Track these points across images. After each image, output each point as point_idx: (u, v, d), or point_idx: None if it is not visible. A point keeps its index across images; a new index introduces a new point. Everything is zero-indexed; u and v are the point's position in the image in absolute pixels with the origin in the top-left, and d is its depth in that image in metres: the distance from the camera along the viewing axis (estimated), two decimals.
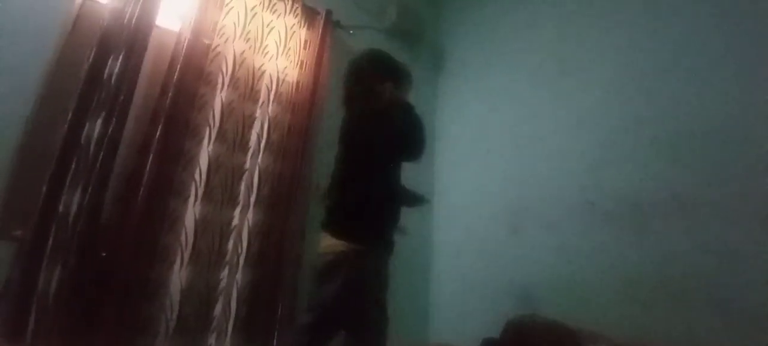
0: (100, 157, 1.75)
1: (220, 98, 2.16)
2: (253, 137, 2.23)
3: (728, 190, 1.72)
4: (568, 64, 2.46)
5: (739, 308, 1.60)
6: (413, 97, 3.05)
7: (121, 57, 1.86)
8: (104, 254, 1.72)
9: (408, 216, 2.78)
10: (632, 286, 1.89)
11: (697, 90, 1.90)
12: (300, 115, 2.36)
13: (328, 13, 2.59)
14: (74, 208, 1.67)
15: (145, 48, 1.94)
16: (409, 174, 2.89)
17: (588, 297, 2.02)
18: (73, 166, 1.72)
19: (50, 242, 1.59)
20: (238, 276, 2.05)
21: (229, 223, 2.09)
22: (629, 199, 2.00)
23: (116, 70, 1.85)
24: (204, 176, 2.05)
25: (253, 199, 2.16)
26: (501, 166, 2.64)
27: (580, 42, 2.44)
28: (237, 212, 2.12)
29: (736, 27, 1.84)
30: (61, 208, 1.65)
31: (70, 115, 1.74)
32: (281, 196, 2.21)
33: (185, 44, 2.04)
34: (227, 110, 2.16)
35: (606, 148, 2.15)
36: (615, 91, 2.20)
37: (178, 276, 1.90)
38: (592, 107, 2.27)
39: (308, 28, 2.55)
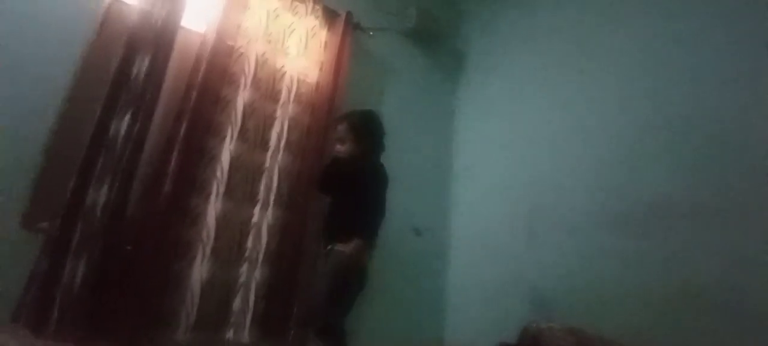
0: (127, 153, 1.76)
1: (242, 98, 2.15)
2: (273, 137, 2.21)
3: (749, 197, 1.63)
4: (588, 67, 2.36)
5: (757, 315, 1.50)
6: (432, 99, 3.03)
7: (148, 57, 1.87)
8: (129, 248, 1.72)
9: (423, 217, 2.76)
10: (650, 292, 1.81)
11: (720, 96, 1.80)
12: (319, 115, 2.33)
13: (349, 14, 2.55)
14: (101, 202, 1.68)
15: (171, 48, 1.95)
16: (426, 176, 2.86)
17: (606, 302, 1.94)
18: (100, 161, 1.73)
19: (77, 235, 1.60)
20: (257, 272, 2.03)
21: (249, 220, 2.07)
22: (649, 204, 1.90)
23: (143, 69, 1.86)
24: (225, 174, 2.04)
25: (272, 197, 2.14)
26: (519, 169, 2.55)
27: (601, 44, 2.34)
28: (257, 209, 2.10)
29: (761, 31, 1.73)
30: (87, 202, 1.66)
31: (98, 112, 1.75)
32: (299, 195, 2.18)
33: (209, 45, 2.04)
34: (249, 110, 2.15)
35: (626, 153, 2.06)
36: (636, 95, 2.11)
37: (198, 271, 1.89)
38: (613, 111, 2.18)
39: (328, 30, 2.52)
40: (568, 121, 2.37)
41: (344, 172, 1.84)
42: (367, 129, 1.91)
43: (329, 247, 1.78)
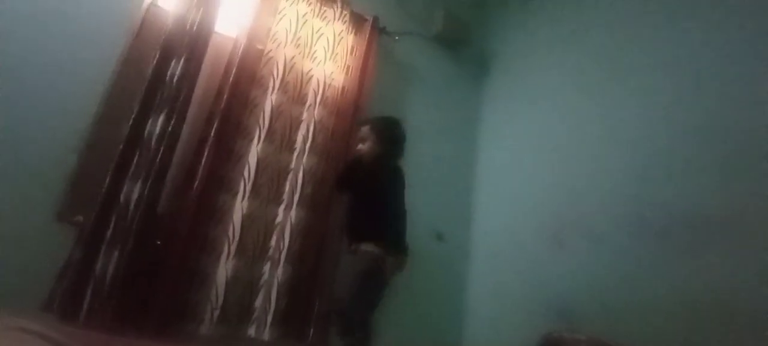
0: (160, 152, 1.80)
1: (270, 101, 2.17)
2: (299, 139, 2.23)
3: None
4: (619, 71, 2.26)
5: None
6: (457, 104, 2.98)
7: (182, 60, 1.92)
8: (159, 243, 1.76)
9: (446, 222, 2.71)
10: (682, 307, 1.70)
11: (756, 105, 1.67)
12: (344, 119, 2.33)
13: (375, 19, 2.54)
14: (134, 198, 1.72)
15: (204, 52, 2.00)
16: (449, 181, 2.81)
17: (632, 315, 1.84)
18: (135, 159, 1.78)
19: (110, 228, 1.65)
20: (279, 271, 2.04)
21: (274, 220, 2.09)
22: (684, 215, 1.79)
23: (178, 71, 1.91)
24: (252, 174, 2.06)
25: (296, 198, 2.15)
26: (546, 175, 2.47)
27: (633, 48, 2.23)
28: (281, 209, 2.11)
29: None
30: (122, 197, 1.71)
31: (134, 111, 1.80)
32: (323, 196, 2.18)
33: (240, 49, 2.08)
34: (276, 112, 2.17)
35: (661, 161, 1.95)
36: (672, 99, 1.99)
37: (224, 267, 1.91)
38: (647, 116, 2.07)
39: (355, 34, 2.52)
40: (597, 128, 2.27)
41: (365, 171, 1.87)
42: (389, 133, 1.95)
43: (354, 246, 1.81)
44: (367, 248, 1.77)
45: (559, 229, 2.29)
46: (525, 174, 2.61)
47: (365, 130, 1.99)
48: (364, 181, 1.86)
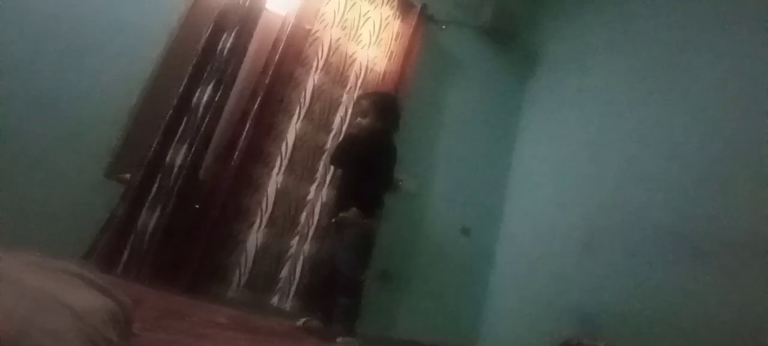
0: (206, 120, 1.82)
1: (312, 80, 2.15)
2: (337, 120, 2.20)
3: None
4: (672, 81, 2.06)
5: None
6: (498, 99, 2.83)
7: (233, 34, 1.92)
8: (197, 206, 1.81)
9: (474, 217, 2.61)
10: (713, 331, 1.58)
11: None
12: None
13: (424, 6, 2.43)
14: (178, 162, 1.77)
15: (254, 28, 1.99)
16: (482, 176, 2.69)
17: (661, 333, 1.72)
18: (182, 125, 1.82)
19: (154, 188, 1.70)
20: (306, 246, 2.05)
21: (305, 196, 2.09)
22: (726, 237, 1.65)
23: (228, 45, 1.91)
24: (289, 150, 2.06)
25: (328, 178, 2.13)
26: (584, 180, 2.31)
27: (689, 59, 2.03)
28: (313, 187, 2.11)
29: None
30: (167, 160, 1.75)
31: (185, 79, 1.83)
32: None
33: (289, 27, 2.05)
34: (317, 92, 2.15)
35: (705, 179, 1.79)
36: (724, 115, 1.82)
37: (255, 236, 1.94)
38: (696, 131, 1.90)
39: (402, 21, 2.42)
40: (642, 138, 2.11)
41: (363, 144, 1.78)
42: (389, 108, 1.85)
43: (340, 216, 1.69)
44: (354, 216, 1.64)
45: (590, 236, 2.16)
46: (561, 177, 2.46)
47: (365, 104, 1.86)
48: (361, 154, 1.77)
